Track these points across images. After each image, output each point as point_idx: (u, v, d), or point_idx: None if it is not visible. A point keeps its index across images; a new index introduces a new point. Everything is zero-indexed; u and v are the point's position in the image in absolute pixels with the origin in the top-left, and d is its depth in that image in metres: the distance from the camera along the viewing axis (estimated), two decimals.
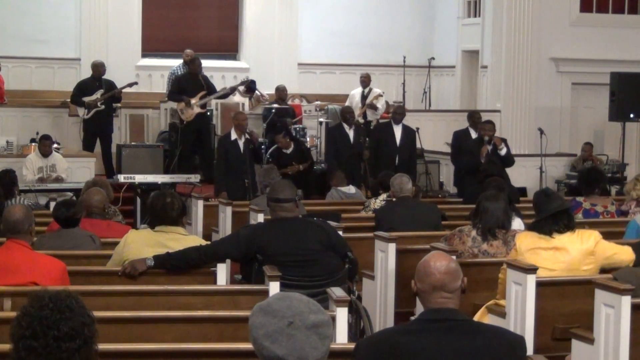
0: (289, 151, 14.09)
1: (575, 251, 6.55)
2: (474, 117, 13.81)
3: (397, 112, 13.92)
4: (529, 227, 6.89)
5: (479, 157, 12.25)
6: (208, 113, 15.44)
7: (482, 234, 7.24)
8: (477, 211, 7.29)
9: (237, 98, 16.96)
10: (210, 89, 15.08)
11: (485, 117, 14.83)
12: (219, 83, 16.80)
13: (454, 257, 5.74)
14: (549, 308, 6.50)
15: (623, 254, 6.60)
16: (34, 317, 3.09)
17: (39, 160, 13.28)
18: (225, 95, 15.61)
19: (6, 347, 3.17)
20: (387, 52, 20.03)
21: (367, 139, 14.23)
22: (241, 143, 12.87)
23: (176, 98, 14.97)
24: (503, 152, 12.48)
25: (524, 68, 17.00)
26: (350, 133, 13.73)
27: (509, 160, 12.63)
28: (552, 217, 6.56)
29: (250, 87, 16.40)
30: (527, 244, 6.60)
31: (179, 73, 16.55)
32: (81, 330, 3.09)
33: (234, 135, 12.95)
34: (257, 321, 3.07)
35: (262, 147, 14.45)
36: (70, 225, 7.17)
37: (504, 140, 12.90)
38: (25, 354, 3.07)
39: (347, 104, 15.94)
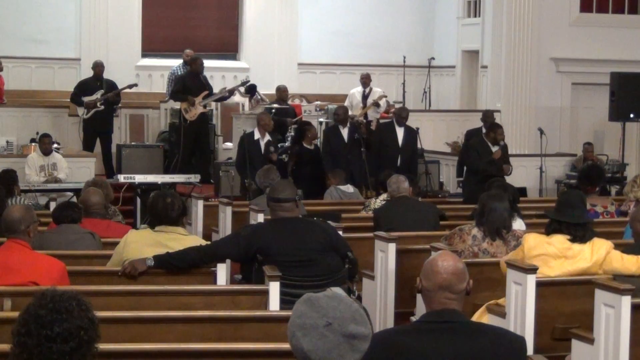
0: (312, 147, 14.02)
1: (583, 261, 6.48)
2: (488, 117, 14.03)
3: (402, 115, 13.83)
4: (553, 227, 6.63)
5: (497, 163, 12.33)
6: (209, 113, 15.47)
7: (489, 233, 7.23)
8: (483, 210, 7.27)
9: (237, 98, 16.98)
10: (209, 90, 15.12)
11: None
12: (219, 83, 16.82)
13: None
14: (549, 308, 6.50)
15: (632, 266, 6.44)
16: (31, 315, 3.09)
17: (40, 159, 13.30)
18: (223, 98, 15.63)
19: (6, 347, 3.18)
20: (387, 52, 20.03)
21: (364, 137, 14.14)
22: (262, 143, 12.99)
23: (180, 97, 14.98)
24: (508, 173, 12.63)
25: (524, 68, 16.99)
26: (345, 133, 13.70)
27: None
28: (577, 225, 6.50)
29: (250, 91, 16.40)
30: (537, 249, 6.54)
31: (179, 73, 16.57)
32: (76, 333, 3.07)
33: (257, 135, 13.07)
34: (299, 309, 3.08)
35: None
36: (70, 223, 7.20)
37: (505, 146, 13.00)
38: (19, 351, 3.08)
39: (346, 103, 15.93)
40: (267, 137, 13.12)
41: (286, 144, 14.35)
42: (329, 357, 3.01)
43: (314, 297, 3.09)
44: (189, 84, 15.01)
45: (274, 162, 12.53)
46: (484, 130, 13.92)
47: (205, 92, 14.92)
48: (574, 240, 6.48)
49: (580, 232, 6.48)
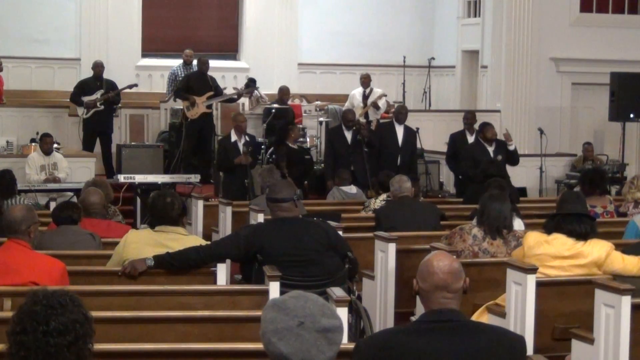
0: (296, 146, 14.02)
1: (583, 261, 6.48)
2: (468, 118, 13.92)
3: (401, 111, 13.86)
4: (555, 225, 6.66)
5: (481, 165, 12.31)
6: (211, 113, 15.48)
7: (489, 232, 7.23)
8: (483, 211, 7.26)
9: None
10: (216, 91, 15.14)
11: (485, 117, 14.87)
12: (220, 83, 16.80)
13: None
14: (549, 308, 6.50)
15: (633, 268, 6.44)
16: (25, 313, 3.11)
17: (41, 158, 13.30)
18: (232, 100, 15.67)
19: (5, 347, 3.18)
20: (387, 52, 20.03)
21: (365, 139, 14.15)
22: (240, 144, 12.99)
23: (182, 96, 15.00)
24: (512, 147, 12.69)
25: (524, 68, 16.99)
26: (349, 135, 13.72)
27: (515, 156, 12.80)
28: (575, 220, 6.52)
29: (248, 85, 16.39)
30: (537, 249, 6.55)
31: (179, 73, 16.57)
32: (72, 327, 3.09)
33: (233, 137, 13.08)
34: (268, 315, 3.08)
35: (262, 147, 14.51)
36: (69, 224, 7.20)
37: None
38: (16, 349, 3.09)
39: (347, 104, 15.91)
40: (245, 138, 13.12)
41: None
42: (309, 356, 3.01)
43: (279, 301, 3.10)
44: (192, 83, 15.04)
45: (243, 164, 12.68)
46: (467, 134, 13.87)
47: (210, 93, 14.93)
48: (570, 235, 6.48)
49: (578, 228, 6.48)
